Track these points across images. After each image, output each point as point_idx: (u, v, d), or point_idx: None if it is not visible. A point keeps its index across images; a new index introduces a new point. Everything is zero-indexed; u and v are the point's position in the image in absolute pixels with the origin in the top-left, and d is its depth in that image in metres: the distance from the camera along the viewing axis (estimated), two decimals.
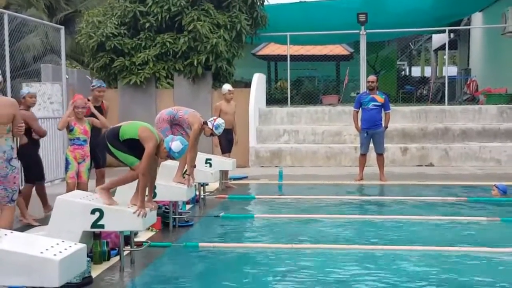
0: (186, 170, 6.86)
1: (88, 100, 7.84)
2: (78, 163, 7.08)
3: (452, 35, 21.44)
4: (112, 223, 4.85)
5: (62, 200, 4.97)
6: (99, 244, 5.12)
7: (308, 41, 17.34)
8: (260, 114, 13.32)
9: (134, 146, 5.09)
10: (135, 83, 12.71)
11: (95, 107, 7.84)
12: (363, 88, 13.39)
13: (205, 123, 7.03)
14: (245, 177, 10.80)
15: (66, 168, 7.08)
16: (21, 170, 6.63)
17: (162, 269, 5.28)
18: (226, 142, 9.51)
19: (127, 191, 5.34)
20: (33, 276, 3.34)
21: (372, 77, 10.33)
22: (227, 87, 9.72)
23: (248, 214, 7.50)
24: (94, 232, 5.03)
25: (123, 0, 13.18)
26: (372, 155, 10.51)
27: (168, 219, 6.55)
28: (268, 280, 4.88)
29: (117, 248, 5.25)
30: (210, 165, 8.37)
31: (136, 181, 5.12)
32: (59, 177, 10.23)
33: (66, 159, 7.09)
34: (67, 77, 11.28)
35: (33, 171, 7.29)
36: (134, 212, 4.83)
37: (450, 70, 19.94)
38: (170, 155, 5.14)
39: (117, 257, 5.15)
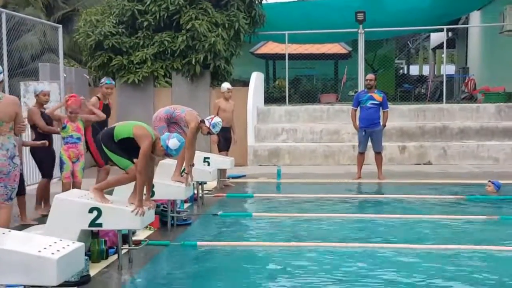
0: (184, 169, 6.86)
1: (98, 98, 7.89)
2: (73, 163, 7.08)
3: (450, 33, 21.47)
4: (110, 222, 4.85)
5: (60, 199, 4.96)
6: (97, 242, 5.11)
7: (306, 39, 17.32)
8: (258, 112, 13.32)
9: (130, 146, 5.07)
10: (133, 82, 12.69)
11: (104, 104, 7.88)
12: (361, 86, 13.39)
13: (202, 121, 7.03)
14: (244, 176, 10.80)
15: (61, 168, 7.07)
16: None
17: (160, 267, 5.28)
18: (224, 140, 9.51)
19: (125, 190, 5.34)
20: (31, 275, 3.34)
21: (370, 76, 10.34)
22: (226, 85, 9.73)
23: (246, 213, 7.50)
24: (92, 230, 5.03)
25: None
26: (370, 153, 10.51)
27: (166, 217, 6.55)
28: (266, 279, 4.87)
29: (115, 247, 5.24)
30: (208, 164, 8.38)
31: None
32: (55, 177, 10.18)
33: (61, 159, 7.08)
34: (65, 76, 11.25)
35: (43, 167, 7.29)
36: (132, 211, 4.82)
37: (448, 69, 19.99)
38: (167, 153, 5.12)
39: (115, 256, 5.14)
